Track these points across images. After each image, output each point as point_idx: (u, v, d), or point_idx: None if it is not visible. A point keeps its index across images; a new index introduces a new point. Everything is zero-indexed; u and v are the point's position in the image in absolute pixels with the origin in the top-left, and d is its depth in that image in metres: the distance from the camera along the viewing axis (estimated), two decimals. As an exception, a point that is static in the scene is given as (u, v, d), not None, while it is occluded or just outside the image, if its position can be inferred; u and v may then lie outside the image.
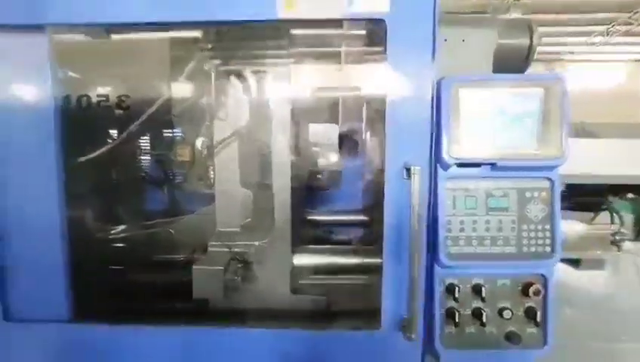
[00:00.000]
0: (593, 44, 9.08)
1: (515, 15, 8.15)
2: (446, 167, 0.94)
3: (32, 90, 0.94)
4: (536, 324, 0.96)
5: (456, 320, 0.95)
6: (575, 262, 1.60)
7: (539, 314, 0.95)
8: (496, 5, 8.01)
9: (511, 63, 1.21)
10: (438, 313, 0.97)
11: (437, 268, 0.97)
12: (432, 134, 0.93)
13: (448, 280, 0.97)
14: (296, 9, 0.90)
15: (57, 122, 0.96)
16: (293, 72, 1.13)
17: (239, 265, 1.12)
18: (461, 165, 0.95)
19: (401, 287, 0.95)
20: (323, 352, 0.99)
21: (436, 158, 0.94)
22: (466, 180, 0.96)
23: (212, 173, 1.26)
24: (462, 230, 0.95)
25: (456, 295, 0.95)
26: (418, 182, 0.87)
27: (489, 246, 0.96)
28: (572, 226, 1.56)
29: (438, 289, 0.97)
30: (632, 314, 1.58)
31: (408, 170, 0.90)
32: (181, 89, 1.26)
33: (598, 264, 1.55)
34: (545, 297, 0.97)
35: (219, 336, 1.03)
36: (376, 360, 0.98)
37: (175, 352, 1.00)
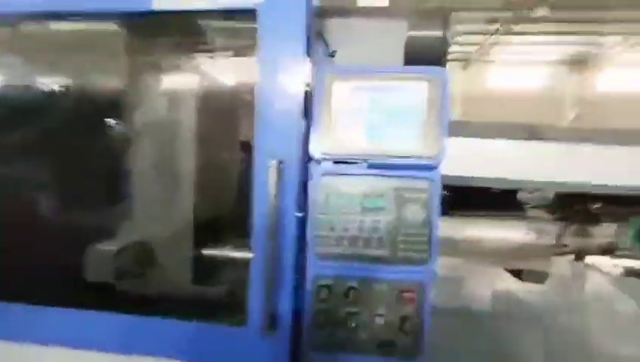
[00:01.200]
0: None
1: (541, 14, 7.70)
2: (318, 162, 0.91)
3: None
4: (406, 334, 0.90)
5: (323, 323, 0.92)
6: (518, 274, 1.49)
7: (409, 323, 0.90)
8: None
9: (424, 56, 1.15)
10: (308, 314, 0.94)
11: (309, 268, 0.94)
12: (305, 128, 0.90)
13: (322, 281, 0.94)
14: (170, 0, 0.91)
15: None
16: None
17: (135, 251, 1.14)
18: (337, 162, 0.91)
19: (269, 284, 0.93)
20: (199, 344, 0.99)
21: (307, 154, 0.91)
22: (341, 177, 0.92)
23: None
24: (332, 229, 0.91)
25: (325, 296, 0.92)
26: (274, 177, 0.84)
27: (361, 247, 0.91)
28: (512, 235, 1.47)
29: (310, 289, 0.94)
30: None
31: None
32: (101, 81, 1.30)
33: (539, 277, 1.43)
34: (420, 305, 0.91)
35: (111, 319, 1.05)
36: (245, 357, 0.96)
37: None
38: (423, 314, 0.91)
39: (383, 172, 0.90)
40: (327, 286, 0.93)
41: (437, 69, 0.90)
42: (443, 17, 1.11)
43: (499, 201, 1.85)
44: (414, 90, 0.87)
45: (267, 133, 0.90)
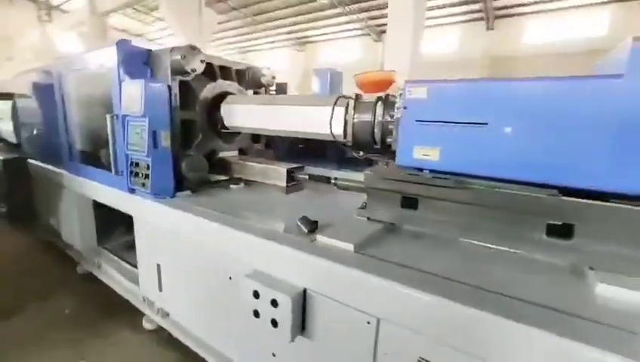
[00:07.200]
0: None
1: None
2: (124, 117, 2.55)
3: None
4: (149, 178, 2.47)
5: (131, 173, 2.61)
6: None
7: (147, 174, 2.46)
8: None
9: (175, 69, 2.53)
10: (131, 171, 2.64)
11: (128, 156, 2.62)
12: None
13: (132, 160, 2.61)
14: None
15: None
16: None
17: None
18: (131, 116, 2.53)
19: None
20: (110, 179, 2.88)
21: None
22: (131, 123, 2.53)
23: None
24: (133, 141, 2.55)
25: (130, 164, 2.60)
26: (110, 122, 2.57)
27: (136, 147, 2.51)
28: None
29: (129, 163, 2.63)
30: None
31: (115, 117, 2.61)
32: None
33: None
34: (150, 169, 2.44)
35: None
36: (115, 182, 2.79)
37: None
38: (152, 172, 2.45)
39: (136, 120, 2.46)
40: (133, 162, 2.60)
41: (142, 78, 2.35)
42: (184, 50, 2.47)
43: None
44: (136, 88, 2.36)
45: (116, 106, 2.63)
